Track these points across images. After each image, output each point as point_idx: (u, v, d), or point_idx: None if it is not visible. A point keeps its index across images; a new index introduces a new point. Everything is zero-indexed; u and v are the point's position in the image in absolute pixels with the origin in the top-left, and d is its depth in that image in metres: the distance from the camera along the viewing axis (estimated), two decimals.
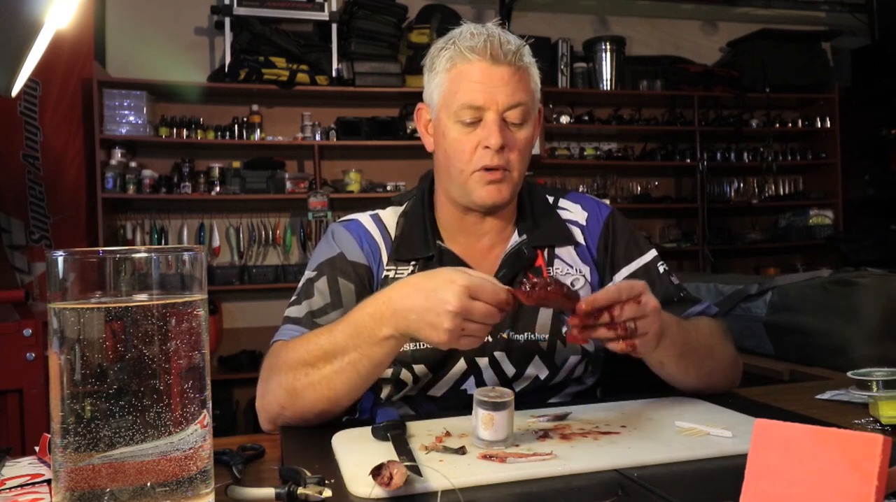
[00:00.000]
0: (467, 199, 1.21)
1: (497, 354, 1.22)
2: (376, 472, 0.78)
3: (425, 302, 0.95)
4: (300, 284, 1.24)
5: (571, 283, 1.25)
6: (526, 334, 1.23)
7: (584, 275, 1.28)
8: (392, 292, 1.01)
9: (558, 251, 1.28)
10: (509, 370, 1.23)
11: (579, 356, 1.26)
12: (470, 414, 0.97)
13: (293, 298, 1.23)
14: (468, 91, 1.15)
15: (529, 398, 1.23)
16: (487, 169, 1.17)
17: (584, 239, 1.30)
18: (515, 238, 1.27)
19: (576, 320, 0.96)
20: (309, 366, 1.05)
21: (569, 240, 1.29)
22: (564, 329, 1.24)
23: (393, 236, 1.27)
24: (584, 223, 1.32)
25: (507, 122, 1.17)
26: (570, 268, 1.28)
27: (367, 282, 1.24)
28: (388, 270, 1.24)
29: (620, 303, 0.95)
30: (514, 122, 1.18)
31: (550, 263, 1.27)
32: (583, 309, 0.94)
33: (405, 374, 1.22)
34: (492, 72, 1.15)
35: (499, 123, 1.16)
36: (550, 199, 1.35)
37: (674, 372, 1.15)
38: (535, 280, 0.95)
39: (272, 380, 1.10)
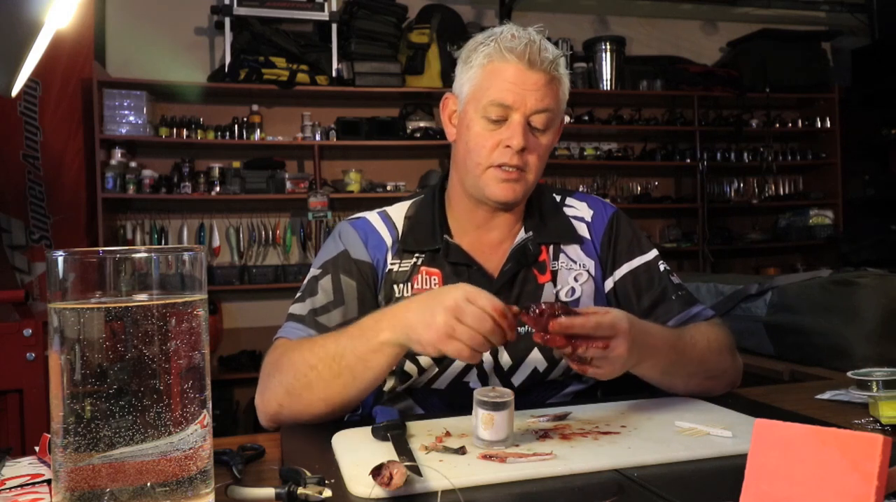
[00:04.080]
0: (480, 193, 1.24)
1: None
2: (376, 472, 0.78)
3: (425, 300, 1.02)
4: (305, 282, 1.28)
5: (574, 278, 1.29)
6: (525, 326, 1.24)
7: (587, 270, 1.30)
8: (397, 304, 1.07)
9: (564, 247, 1.31)
10: (506, 361, 1.24)
11: None
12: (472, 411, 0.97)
13: (298, 295, 1.26)
14: (500, 89, 1.18)
15: (529, 395, 1.24)
16: (504, 166, 1.19)
17: (590, 234, 1.33)
18: (522, 234, 1.30)
19: (539, 329, 0.97)
20: (310, 368, 1.08)
21: (574, 238, 1.32)
22: None
23: (400, 230, 1.30)
24: (590, 220, 1.34)
25: (531, 126, 1.20)
26: (573, 263, 1.30)
27: (371, 280, 1.26)
28: (392, 264, 1.27)
29: (591, 336, 0.97)
30: (538, 126, 1.20)
31: (556, 258, 1.30)
32: (553, 327, 0.96)
33: (409, 366, 1.23)
34: (526, 75, 1.17)
35: (523, 125, 1.18)
36: (557, 198, 1.38)
37: (658, 383, 1.19)
38: (544, 306, 0.97)
39: (273, 378, 1.12)
